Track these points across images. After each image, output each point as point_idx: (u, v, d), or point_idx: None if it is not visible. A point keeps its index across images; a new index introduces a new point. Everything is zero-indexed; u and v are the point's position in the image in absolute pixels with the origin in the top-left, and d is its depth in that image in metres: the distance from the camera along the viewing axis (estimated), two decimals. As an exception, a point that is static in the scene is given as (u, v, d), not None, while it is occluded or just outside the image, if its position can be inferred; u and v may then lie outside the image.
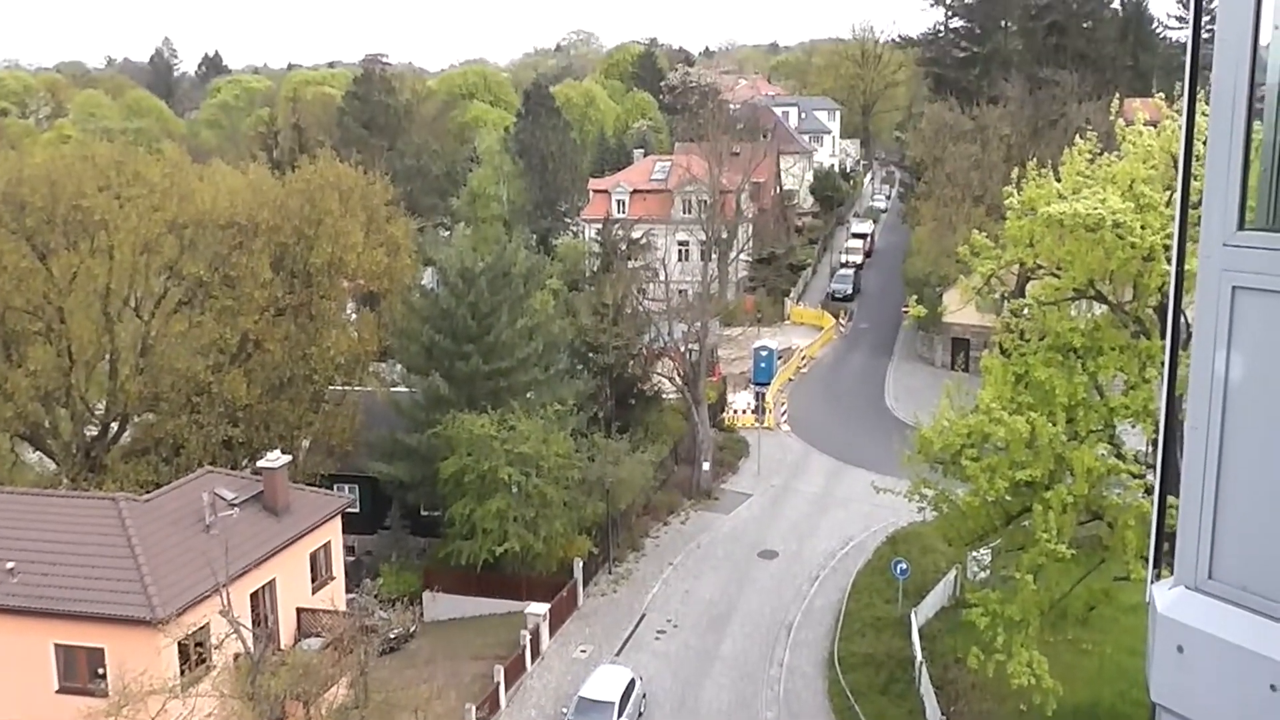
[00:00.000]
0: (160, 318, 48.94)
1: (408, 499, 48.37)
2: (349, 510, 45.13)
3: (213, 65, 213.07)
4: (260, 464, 41.23)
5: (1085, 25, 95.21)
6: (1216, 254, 4.25)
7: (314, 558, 41.24)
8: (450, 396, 46.16)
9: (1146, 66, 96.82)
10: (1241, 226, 4.22)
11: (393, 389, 52.92)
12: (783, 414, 64.77)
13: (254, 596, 37.20)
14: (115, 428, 48.82)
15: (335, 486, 48.18)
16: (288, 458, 41.51)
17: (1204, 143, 4.41)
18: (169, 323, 48.82)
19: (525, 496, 42.96)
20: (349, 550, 46.97)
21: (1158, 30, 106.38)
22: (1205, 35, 4.49)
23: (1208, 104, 4.33)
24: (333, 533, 42.39)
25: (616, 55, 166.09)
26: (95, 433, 48.59)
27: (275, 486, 39.52)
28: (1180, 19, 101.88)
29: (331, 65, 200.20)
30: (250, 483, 40.46)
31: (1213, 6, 4.36)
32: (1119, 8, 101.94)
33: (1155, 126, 31.90)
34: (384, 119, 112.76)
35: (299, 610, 39.65)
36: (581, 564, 45.21)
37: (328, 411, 51.01)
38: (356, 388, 53.25)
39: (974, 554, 39.02)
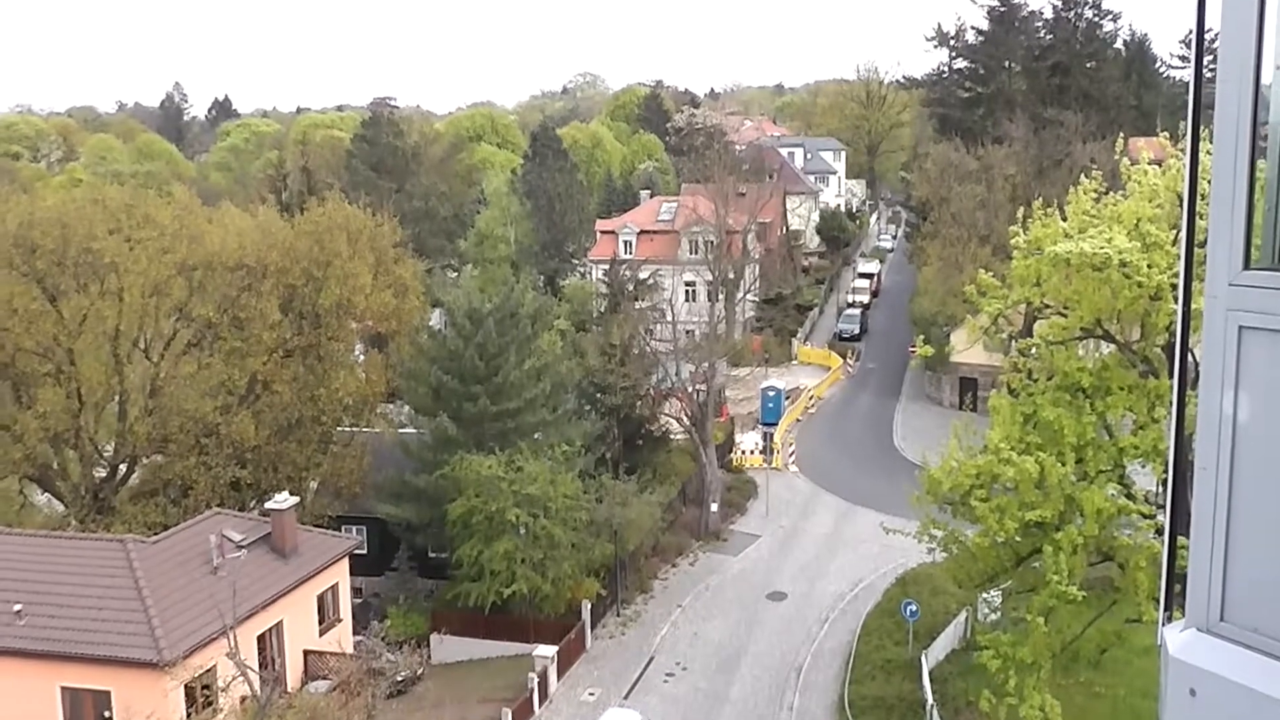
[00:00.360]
0: (169, 359, 49.06)
1: (415, 540, 48.23)
2: (356, 552, 45.06)
3: (223, 109, 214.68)
4: (268, 505, 41.23)
5: (1089, 65, 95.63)
6: (1222, 293, 4.24)
7: (321, 600, 41.13)
8: (458, 437, 46.13)
9: (1150, 106, 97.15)
10: (1247, 266, 4.21)
11: (400, 430, 52.91)
12: (791, 454, 64.60)
13: (261, 639, 37.06)
14: (124, 469, 48.82)
15: (343, 528, 48.09)
16: (295, 499, 41.51)
17: (1209, 182, 4.42)
18: (178, 364, 48.93)
19: (533, 538, 42.81)
20: (356, 592, 46.81)
21: (1161, 70, 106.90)
22: (1208, 74, 4.51)
23: (1211, 143, 4.34)
24: (340, 574, 42.29)
25: (622, 97, 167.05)
26: (104, 474, 48.59)
27: (283, 528, 39.49)
28: (1183, 59, 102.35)
29: (340, 108, 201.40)
30: (258, 524, 40.43)
31: (1214, 46, 4.38)
32: (1122, 48, 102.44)
33: (1160, 165, 32.00)
34: (392, 161, 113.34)
35: (306, 653, 39.49)
36: (589, 606, 44.96)
37: (335, 453, 50.98)
38: (364, 429, 53.26)
39: (984, 595, 38.76)
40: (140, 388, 48.34)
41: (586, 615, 44.69)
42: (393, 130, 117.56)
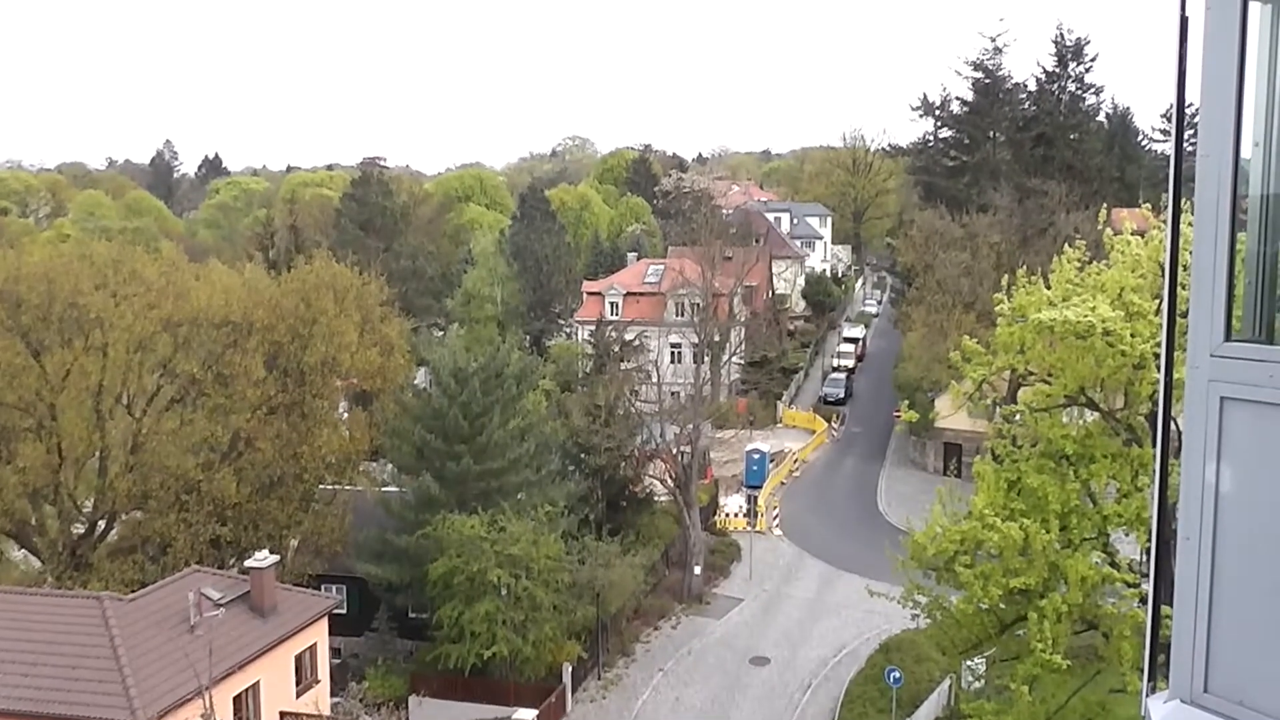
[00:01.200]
0: (152, 415, 48.78)
1: (396, 601, 47.78)
2: (336, 611, 44.54)
3: (213, 167, 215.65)
4: (248, 564, 40.81)
5: (1072, 137, 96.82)
6: (1204, 364, 4.27)
7: (299, 660, 40.57)
8: (441, 497, 45.89)
9: (1133, 178, 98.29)
10: (1228, 337, 4.24)
11: (383, 489, 52.59)
12: (775, 518, 64.36)
13: (237, 699, 36.51)
14: (103, 526, 48.34)
15: (323, 587, 47.61)
16: (275, 557, 41.09)
17: (1190, 253, 4.46)
18: (160, 420, 48.64)
19: (514, 599, 42.47)
20: (335, 652, 46.23)
21: (1143, 143, 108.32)
22: (1189, 148, 4.59)
23: (1193, 215, 4.40)
24: (319, 634, 41.76)
25: (611, 160, 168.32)
26: (82, 531, 48.09)
27: (262, 587, 39.05)
28: (1164, 132, 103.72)
29: (330, 167, 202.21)
30: (237, 582, 39.98)
31: (1195, 121, 4.45)
32: (1105, 120, 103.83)
33: (1143, 236, 32.29)
34: (381, 220, 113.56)
35: (283, 714, 38.89)
36: (570, 669, 44.52)
37: (317, 511, 50.60)
38: (347, 487, 52.92)
39: (968, 663, 38.49)
40: (122, 444, 47.99)
41: (567, 678, 44.22)
42: (382, 190, 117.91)
